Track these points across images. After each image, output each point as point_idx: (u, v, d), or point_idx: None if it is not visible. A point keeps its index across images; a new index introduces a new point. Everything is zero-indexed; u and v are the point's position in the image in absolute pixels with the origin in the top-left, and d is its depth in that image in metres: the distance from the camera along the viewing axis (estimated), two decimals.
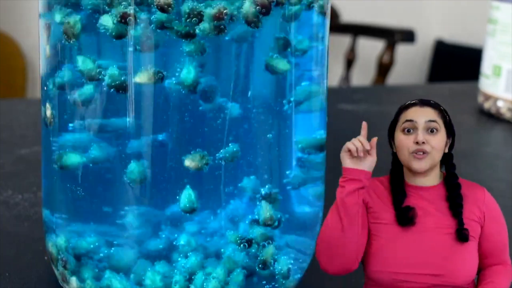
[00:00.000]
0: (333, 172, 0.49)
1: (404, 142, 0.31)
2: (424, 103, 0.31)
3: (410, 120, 0.30)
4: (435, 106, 0.31)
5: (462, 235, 0.30)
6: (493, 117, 0.85)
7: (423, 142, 0.30)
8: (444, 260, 0.30)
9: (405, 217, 0.30)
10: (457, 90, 1.07)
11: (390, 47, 1.92)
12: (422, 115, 0.30)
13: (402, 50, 2.11)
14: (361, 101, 0.93)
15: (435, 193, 0.31)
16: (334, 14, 1.99)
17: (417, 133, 0.30)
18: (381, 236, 0.30)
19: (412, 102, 0.31)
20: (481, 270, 0.31)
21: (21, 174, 0.60)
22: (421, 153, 0.30)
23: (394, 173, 0.32)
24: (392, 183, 0.31)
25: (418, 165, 0.30)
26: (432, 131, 0.30)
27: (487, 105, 0.86)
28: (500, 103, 0.84)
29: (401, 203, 0.31)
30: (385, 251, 0.30)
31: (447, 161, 0.31)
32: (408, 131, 0.31)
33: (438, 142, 0.30)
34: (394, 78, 2.11)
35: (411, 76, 2.25)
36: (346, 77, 2.03)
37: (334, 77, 2.05)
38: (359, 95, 0.98)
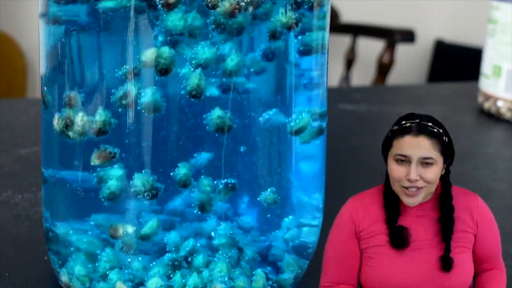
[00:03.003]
0: (333, 173, 0.49)
1: (396, 173, 0.29)
2: (420, 130, 0.29)
3: (404, 155, 0.29)
4: (431, 134, 0.29)
5: (446, 264, 0.29)
6: (493, 117, 0.85)
7: (417, 180, 0.29)
8: (441, 276, 0.30)
9: (399, 240, 0.30)
10: (457, 90, 1.07)
11: (390, 47, 1.92)
12: (416, 151, 0.29)
13: (402, 50, 2.11)
14: (361, 101, 0.93)
15: (428, 207, 0.30)
16: (334, 14, 1.99)
17: (409, 167, 0.29)
18: (375, 258, 0.30)
19: (408, 126, 0.29)
20: (476, 275, 0.31)
21: (21, 174, 0.60)
22: (414, 189, 0.29)
23: (388, 187, 0.30)
24: (385, 199, 0.30)
25: (409, 201, 0.29)
26: (427, 164, 0.29)
27: (487, 105, 0.86)
28: (500, 103, 0.84)
29: (395, 222, 0.30)
30: (381, 272, 0.30)
31: (443, 178, 0.30)
32: (402, 160, 0.29)
33: (432, 176, 0.29)
34: (394, 78, 2.11)
35: (411, 76, 2.25)
36: (346, 77, 2.03)
37: (334, 77, 2.05)
38: (359, 95, 0.98)
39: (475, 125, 0.85)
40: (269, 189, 0.36)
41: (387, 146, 0.30)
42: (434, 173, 0.29)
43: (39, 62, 0.38)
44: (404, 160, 0.29)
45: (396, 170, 0.29)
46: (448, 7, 2.25)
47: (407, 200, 0.29)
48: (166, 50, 0.33)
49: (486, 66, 0.86)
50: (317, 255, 0.40)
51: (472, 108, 0.90)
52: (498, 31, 0.84)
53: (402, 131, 0.29)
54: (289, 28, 0.35)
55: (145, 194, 0.34)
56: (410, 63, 2.24)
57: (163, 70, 0.33)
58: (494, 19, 0.85)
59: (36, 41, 0.39)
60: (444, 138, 0.29)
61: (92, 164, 0.35)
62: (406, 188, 0.29)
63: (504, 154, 0.72)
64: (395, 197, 0.30)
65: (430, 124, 0.29)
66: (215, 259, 0.36)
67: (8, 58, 1.87)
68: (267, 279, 0.37)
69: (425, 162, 0.29)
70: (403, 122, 0.29)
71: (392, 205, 0.30)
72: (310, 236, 0.39)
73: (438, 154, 0.29)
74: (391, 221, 0.30)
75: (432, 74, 2.15)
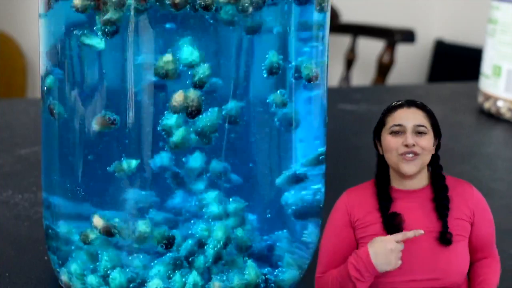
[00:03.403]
0: (333, 173, 0.49)
1: (392, 143, 0.30)
2: (411, 103, 0.30)
3: (399, 125, 0.30)
4: (422, 107, 0.30)
5: (445, 239, 0.30)
6: (493, 117, 0.85)
7: (413, 145, 0.30)
8: (439, 263, 0.30)
9: (392, 225, 0.30)
10: (457, 90, 1.07)
11: (390, 47, 1.92)
12: (410, 119, 0.30)
13: (402, 50, 2.11)
14: (361, 101, 0.93)
15: (422, 195, 0.31)
16: (334, 14, 1.99)
17: (405, 136, 0.30)
18: None
19: (399, 103, 0.31)
20: (471, 264, 0.31)
21: (21, 174, 0.60)
22: (411, 154, 0.30)
23: (380, 177, 0.31)
24: (377, 188, 0.31)
25: (407, 167, 0.30)
26: (420, 133, 0.30)
27: (487, 105, 0.86)
28: (500, 103, 0.84)
29: (388, 209, 0.30)
30: None
31: (433, 163, 0.31)
32: (396, 133, 0.30)
33: (427, 143, 0.30)
34: (394, 78, 2.12)
35: (411, 76, 2.25)
36: (346, 77, 2.03)
37: (334, 77, 2.05)
38: (359, 95, 0.98)
39: (475, 125, 0.85)
40: (278, 91, 0.36)
41: (380, 127, 0.31)
42: (427, 141, 0.30)
43: (39, 62, 0.38)
44: (398, 131, 0.30)
45: (392, 141, 0.30)
46: (448, 7, 2.25)
47: (405, 168, 0.30)
48: (192, 92, 0.33)
49: (486, 66, 0.86)
50: (317, 255, 0.40)
51: (472, 108, 0.90)
52: (498, 31, 0.84)
53: (395, 107, 0.31)
54: (309, 80, 0.36)
55: (159, 245, 0.35)
56: (410, 63, 2.24)
57: (193, 112, 0.34)
58: (494, 19, 0.85)
59: (36, 41, 0.39)
60: (433, 116, 0.31)
61: (92, 129, 0.35)
62: (404, 154, 0.30)
63: (504, 154, 0.72)
64: (387, 185, 0.31)
65: (418, 102, 0.31)
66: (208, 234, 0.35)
67: (8, 58, 1.87)
68: (267, 280, 0.37)
69: (419, 131, 0.30)
70: (393, 103, 0.31)
71: (384, 192, 0.31)
72: (310, 236, 0.39)
73: (429, 125, 0.30)
74: (384, 208, 0.30)
75: (432, 74, 2.15)
